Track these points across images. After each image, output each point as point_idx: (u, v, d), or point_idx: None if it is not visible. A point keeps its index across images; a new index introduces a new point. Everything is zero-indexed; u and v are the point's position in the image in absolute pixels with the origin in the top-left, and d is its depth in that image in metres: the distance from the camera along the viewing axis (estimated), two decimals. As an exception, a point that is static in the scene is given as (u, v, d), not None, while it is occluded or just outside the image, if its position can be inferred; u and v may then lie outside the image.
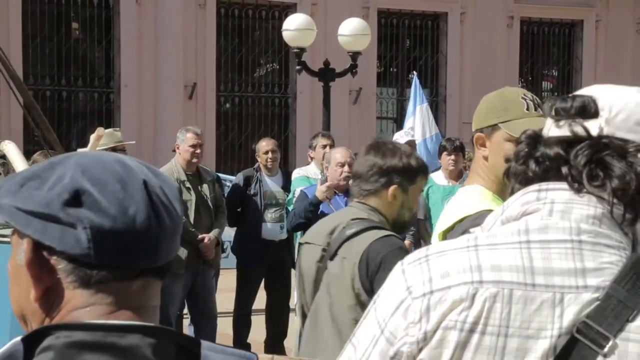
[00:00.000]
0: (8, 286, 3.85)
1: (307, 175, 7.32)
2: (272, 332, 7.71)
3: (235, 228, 7.84)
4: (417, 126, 10.07)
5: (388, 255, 3.09)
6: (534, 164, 1.44)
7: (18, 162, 5.66)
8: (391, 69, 19.23)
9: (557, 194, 1.41)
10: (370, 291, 3.06)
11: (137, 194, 1.17)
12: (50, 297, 1.19)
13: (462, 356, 1.34)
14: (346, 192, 6.22)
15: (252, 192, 7.51)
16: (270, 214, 7.52)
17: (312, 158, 7.54)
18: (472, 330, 1.34)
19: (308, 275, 3.36)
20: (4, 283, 3.82)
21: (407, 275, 1.42)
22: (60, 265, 1.17)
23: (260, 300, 7.82)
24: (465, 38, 19.05)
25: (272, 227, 7.50)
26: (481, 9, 18.96)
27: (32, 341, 1.15)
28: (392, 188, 3.26)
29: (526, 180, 1.44)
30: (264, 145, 7.64)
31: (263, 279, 7.64)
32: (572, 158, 1.41)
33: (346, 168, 6.14)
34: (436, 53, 19.21)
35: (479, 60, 18.89)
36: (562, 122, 1.44)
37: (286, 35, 11.73)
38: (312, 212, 6.18)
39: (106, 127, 10.53)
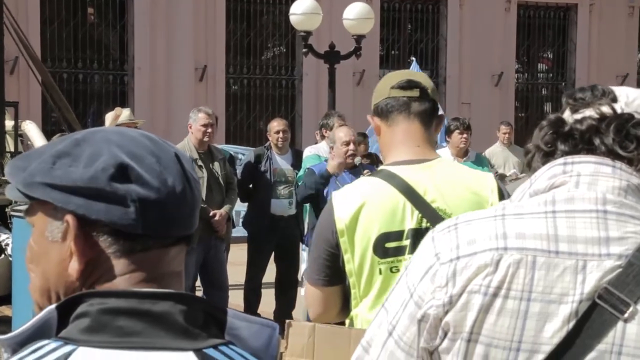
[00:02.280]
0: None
1: (318, 154, 7.33)
2: (280, 303, 7.73)
3: (246, 204, 7.85)
4: None
5: None
6: (561, 142, 1.43)
7: (39, 141, 5.67)
8: (393, 52, 19.16)
9: (583, 166, 1.40)
10: None
11: (172, 166, 1.18)
12: (88, 269, 1.18)
13: (485, 319, 1.34)
14: (352, 168, 6.22)
15: (262, 169, 7.52)
16: (279, 191, 7.52)
17: (324, 137, 7.52)
18: (495, 295, 1.34)
19: None
20: (25, 255, 3.83)
21: (436, 242, 1.42)
22: (102, 238, 1.16)
23: (270, 273, 7.83)
24: (465, 22, 18.97)
25: (281, 203, 7.50)
26: (480, -6, 18.89)
27: (65, 309, 1.14)
28: None
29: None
30: (276, 125, 7.65)
31: (272, 253, 7.65)
32: (604, 127, 1.40)
33: (351, 146, 6.13)
34: (436, 36, 19.14)
35: (477, 43, 18.82)
36: (580, 110, 1.44)
37: (293, 19, 11.69)
38: (322, 185, 6.19)
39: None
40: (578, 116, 1.44)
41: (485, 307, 1.35)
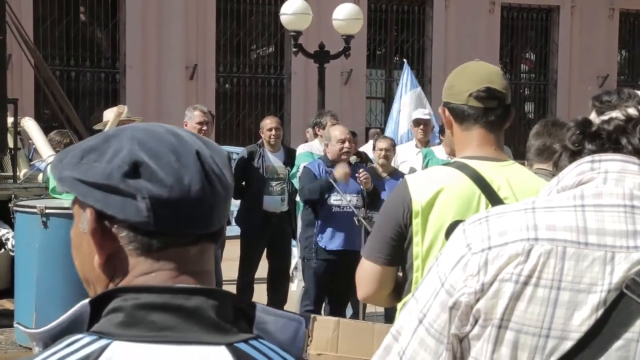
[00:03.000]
0: (31, 252, 3.84)
1: (311, 151, 7.33)
2: (272, 298, 7.72)
3: (239, 200, 7.83)
4: (408, 110, 10.03)
5: None
6: (588, 142, 1.45)
7: (38, 137, 5.65)
8: (379, 52, 19.17)
9: (610, 164, 1.43)
10: None
11: (191, 164, 1.15)
12: (112, 263, 1.17)
13: (516, 306, 1.36)
14: (347, 164, 6.24)
15: (255, 166, 7.51)
16: (272, 187, 7.51)
17: (316, 135, 7.52)
18: (526, 283, 1.36)
19: None
20: (27, 250, 3.82)
21: (467, 234, 1.44)
22: (122, 234, 1.15)
23: (262, 269, 7.82)
24: (449, 23, 19.01)
25: (273, 200, 7.49)
26: (464, -5, 18.93)
27: (99, 303, 1.14)
28: None
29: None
30: (268, 123, 7.64)
31: (265, 249, 7.64)
32: (631, 128, 1.43)
33: (346, 144, 6.15)
34: (422, 37, 19.16)
35: (462, 43, 18.86)
36: (606, 112, 1.46)
37: (284, 19, 11.68)
38: (328, 191, 6.20)
39: (112, 106, 10.50)
40: (605, 117, 1.45)
41: (516, 294, 1.37)
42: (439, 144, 7.72)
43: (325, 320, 2.31)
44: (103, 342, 1.08)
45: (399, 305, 2.66)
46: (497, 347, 1.38)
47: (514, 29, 19.99)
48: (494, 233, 1.41)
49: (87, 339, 1.09)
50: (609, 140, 1.44)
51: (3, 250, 5.26)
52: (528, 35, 20.30)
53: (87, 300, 1.14)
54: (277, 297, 7.66)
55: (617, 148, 1.43)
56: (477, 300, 1.38)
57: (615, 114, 1.45)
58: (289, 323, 1.19)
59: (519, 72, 20.83)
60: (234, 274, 7.86)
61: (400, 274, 2.68)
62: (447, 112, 2.70)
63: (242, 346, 1.11)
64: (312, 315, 2.38)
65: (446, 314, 1.42)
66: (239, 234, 7.91)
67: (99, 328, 1.11)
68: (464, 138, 2.69)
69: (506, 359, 1.38)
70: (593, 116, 1.49)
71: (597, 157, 1.44)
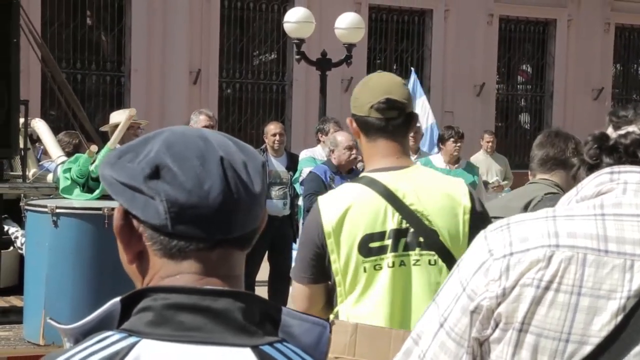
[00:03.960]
0: (41, 251, 3.83)
1: (313, 157, 7.35)
2: (273, 300, 7.72)
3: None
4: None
5: None
6: (606, 155, 1.46)
7: (48, 138, 5.66)
8: (378, 60, 19.19)
9: (629, 175, 1.44)
10: None
11: (214, 170, 1.15)
12: (143, 261, 1.19)
13: (536, 310, 1.38)
14: (349, 172, 6.24)
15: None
16: (274, 192, 7.53)
17: (319, 141, 7.54)
18: (547, 288, 1.38)
19: None
20: (37, 248, 3.82)
21: (489, 240, 1.45)
22: (146, 234, 1.17)
23: (263, 271, 7.83)
24: (449, 33, 19.03)
25: (275, 204, 7.51)
26: (463, 7, 18.93)
27: (129, 302, 1.15)
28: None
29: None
30: (272, 128, 7.67)
31: (266, 252, 7.65)
32: None
33: (354, 151, 6.18)
34: (421, 47, 19.18)
35: (460, 54, 18.88)
36: (623, 127, 1.48)
37: (287, 27, 11.71)
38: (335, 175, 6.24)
39: (117, 108, 10.49)
40: (621, 132, 1.47)
41: (537, 299, 1.38)
42: (437, 152, 7.74)
43: (343, 325, 2.32)
44: (132, 339, 1.10)
45: (330, 316, 2.74)
46: (517, 350, 1.40)
47: (512, 40, 20.01)
48: (516, 239, 1.42)
49: (117, 336, 1.11)
50: (626, 154, 1.45)
51: (12, 248, 5.27)
52: (525, 47, 20.32)
53: (118, 299, 1.16)
54: (278, 299, 7.67)
55: (634, 161, 1.45)
56: (499, 305, 1.40)
57: (632, 128, 1.47)
58: (313, 327, 1.19)
59: (516, 83, 20.84)
60: (235, 276, 7.86)
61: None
62: (354, 124, 2.81)
63: (267, 349, 1.12)
64: (331, 320, 2.38)
65: (467, 318, 1.43)
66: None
67: (129, 326, 1.12)
68: (369, 149, 2.82)
69: None
70: (610, 131, 1.51)
71: (616, 168, 1.46)
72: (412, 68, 12.21)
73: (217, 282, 1.16)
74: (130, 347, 1.09)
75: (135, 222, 1.17)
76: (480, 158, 10.86)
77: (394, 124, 2.74)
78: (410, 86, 10.89)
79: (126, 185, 1.15)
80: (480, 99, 19.32)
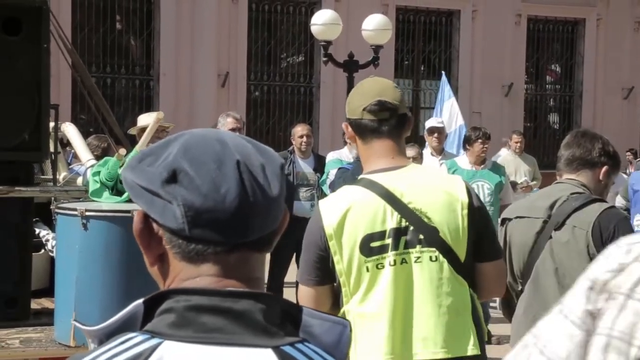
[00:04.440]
0: (71, 253, 3.84)
1: (340, 158, 7.36)
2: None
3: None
4: (446, 118, 10.17)
5: (619, 224, 3.38)
6: None
7: (77, 142, 5.71)
8: (406, 62, 19.16)
9: None
10: None
11: (231, 174, 1.15)
12: (164, 264, 1.20)
13: None
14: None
15: (285, 172, 7.55)
16: (301, 193, 7.55)
17: (346, 143, 7.55)
18: None
19: (524, 245, 3.47)
20: (67, 251, 3.82)
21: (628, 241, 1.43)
22: (165, 237, 1.17)
23: (291, 273, 7.84)
24: (476, 34, 18.96)
25: (303, 205, 7.53)
26: (491, 7, 18.85)
27: (152, 304, 1.16)
28: (604, 169, 3.54)
29: None
30: (299, 130, 7.69)
31: (294, 253, 7.66)
32: None
33: None
34: (449, 47, 19.12)
35: (488, 54, 18.80)
36: None
37: (314, 29, 11.72)
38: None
39: (146, 112, 10.57)
40: None
41: None
42: (463, 154, 7.71)
43: None
44: (154, 341, 1.11)
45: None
46: (620, 314, 1.35)
47: (540, 40, 19.88)
48: None
49: (140, 337, 1.12)
50: None
51: (43, 250, 5.33)
52: (554, 47, 20.18)
53: (141, 300, 1.17)
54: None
55: None
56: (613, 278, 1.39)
57: None
58: (334, 327, 1.19)
59: (544, 84, 20.71)
60: (264, 278, 7.89)
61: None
62: (349, 128, 2.87)
63: (288, 349, 1.12)
64: None
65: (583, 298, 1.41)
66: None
67: (152, 327, 1.13)
68: (365, 152, 2.88)
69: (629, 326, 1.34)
70: None
71: None
72: (443, 72, 12.19)
73: (236, 284, 1.16)
74: (154, 349, 1.10)
75: (155, 226, 1.18)
76: (508, 158, 10.80)
77: (387, 125, 2.80)
78: (440, 89, 10.90)
79: (145, 189, 1.16)
80: (508, 99, 19.21)
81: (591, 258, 3.36)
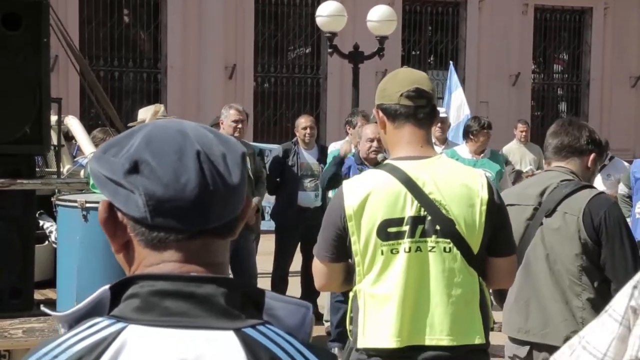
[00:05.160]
0: (72, 245, 3.89)
1: (341, 149, 7.38)
2: (306, 290, 7.77)
3: (274, 196, 7.90)
4: (453, 109, 10.17)
5: (609, 210, 3.42)
6: None
7: (80, 135, 5.76)
8: (413, 52, 19.13)
9: None
10: (597, 240, 3.38)
11: (191, 164, 1.18)
12: (129, 251, 1.23)
13: None
14: (375, 164, 6.26)
15: (290, 163, 7.58)
16: (306, 184, 7.58)
17: (347, 134, 7.57)
18: None
19: (515, 232, 3.49)
20: (68, 242, 3.87)
21: None
22: (130, 225, 1.20)
23: (296, 262, 7.87)
24: (483, 24, 18.90)
25: (307, 195, 7.56)
26: (498, -3, 18.81)
27: (118, 289, 1.19)
28: (592, 156, 3.59)
29: None
30: (303, 122, 7.72)
31: (299, 243, 7.69)
32: None
33: (375, 143, 6.18)
34: (456, 38, 19.08)
35: (495, 44, 18.75)
36: None
37: (319, 21, 11.72)
38: (335, 166, 6.35)
39: (152, 104, 10.60)
40: None
41: None
42: (463, 143, 7.71)
43: None
44: (120, 325, 1.14)
45: (350, 294, 2.91)
46: None
47: (547, 30, 19.81)
48: None
49: (106, 322, 1.15)
50: None
51: (47, 242, 5.37)
52: (561, 36, 20.11)
53: (107, 286, 1.20)
54: (310, 289, 7.71)
55: None
56: None
57: None
58: (298, 309, 1.23)
59: (552, 72, 20.64)
60: (270, 267, 7.92)
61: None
62: (380, 113, 2.92)
63: (249, 331, 1.15)
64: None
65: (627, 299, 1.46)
66: (273, 228, 7.97)
67: (117, 312, 1.17)
68: (395, 136, 2.91)
69: None
70: None
71: None
72: (450, 62, 12.20)
73: (198, 270, 1.19)
74: (118, 332, 1.14)
75: (119, 215, 1.21)
76: (513, 147, 10.79)
77: (423, 112, 2.87)
78: (448, 78, 10.91)
79: (109, 179, 1.20)
80: (515, 88, 19.16)
81: (582, 243, 3.38)
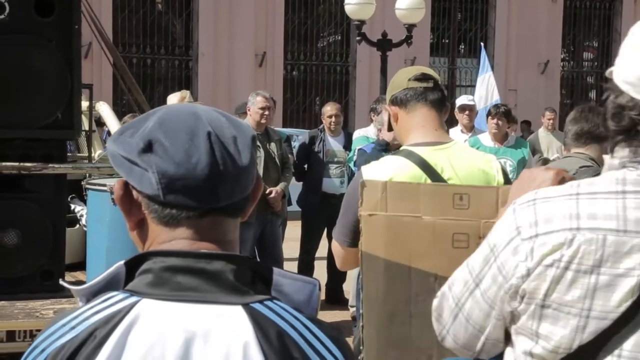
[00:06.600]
0: (102, 227, 3.97)
1: (367, 136, 7.38)
2: (332, 276, 7.80)
3: (301, 182, 7.94)
4: (479, 93, 10.08)
5: None
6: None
7: (111, 120, 5.83)
8: (443, 40, 19.04)
9: None
10: None
11: (202, 144, 1.21)
12: (144, 228, 1.27)
13: (557, 289, 1.44)
14: (398, 149, 6.26)
15: (316, 150, 7.61)
16: (331, 170, 7.60)
17: (372, 121, 7.57)
18: (567, 268, 1.43)
19: None
20: (98, 225, 3.95)
21: (517, 215, 1.50)
22: (144, 203, 1.24)
23: (323, 248, 7.91)
24: (512, 12, 18.76)
25: (333, 182, 7.58)
26: (528, -15, 18.64)
27: (133, 265, 1.24)
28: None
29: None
30: (329, 110, 7.73)
31: (325, 229, 7.72)
32: None
33: None
34: (485, 26, 18.96)
35: (524, 32, 18.61)
36: None
37: (348, 9, 11.71)
38: (381, 151, 6.29)
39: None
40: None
41: (557, 278, 1.44)
42: (486, 131, 7.67)
43: (374, 183, 2.41)
44: (133, 299, 1.19)
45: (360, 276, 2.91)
46: (540, 323, 1.47)
47: (577, 17, 19.62)
48: (541, 219, 1.46)
49: (120, 296, 1.20)
50: None
51: (77, 226, 5.46)
52: (591, 23, 19.90)
53: (122, 262, 1.24)
54: (337, 275, 7.75)
55: None
56: (523, 282, 1.47)
57: None
58: (305, 285, 1.26)
59: (582, 60, 20.45)
60: (296, 253, 7.97)
61: None
62: (392, 107, 2.94)
63: (257, 306, 1.19)
64: (361, 180, 2.48)
65: (496, 287, 1.52)
66: (300, 214, 8.01)
67: (131, 287, 1.21)
68: (408, 122, 2.92)
69: (549, 334, 1.45)
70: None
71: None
72: (481, 43, 12.18)
73: (209, 247, 1.23)
74: (132, 306, 1.18)
75: (134, 193, 1.25)
76: (541, 135, 10.73)
77: (432, 94, 2.89)
78: (481, 61, 10.87)
79: (125, 158, 1.24)
80: (544, 76, 19.02)
81: None
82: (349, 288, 7.60)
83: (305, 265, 7.78)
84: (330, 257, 7.83)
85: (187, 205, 1.22)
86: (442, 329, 1.63)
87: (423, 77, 2.90)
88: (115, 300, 1.19)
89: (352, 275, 7.50)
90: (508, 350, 1.56)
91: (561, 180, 1.64)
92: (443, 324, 1.63)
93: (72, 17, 4.68)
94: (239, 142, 1.25)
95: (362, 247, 2.40)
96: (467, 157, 2.90)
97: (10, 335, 4.30)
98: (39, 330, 4.40)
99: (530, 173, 1.72)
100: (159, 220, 1.24)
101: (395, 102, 2.93)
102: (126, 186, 1.26)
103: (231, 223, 1.27)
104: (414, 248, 2.31)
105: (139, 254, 1.24)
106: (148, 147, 1.21)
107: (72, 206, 5.55)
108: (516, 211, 1.50)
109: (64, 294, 4.72)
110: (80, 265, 5.23)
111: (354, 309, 7.33)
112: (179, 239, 1.23)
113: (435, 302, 1.65)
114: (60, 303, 4.60)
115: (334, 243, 2.98)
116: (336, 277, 7.76)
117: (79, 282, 4.99)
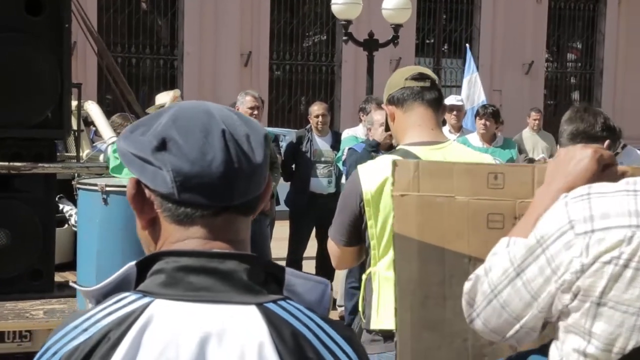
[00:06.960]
0: (92, 227, 3.93)
1: (355, 135, 7.39)
2: (320, 275, 7.79)
3: (289, 182, 7.93)
4: (466, 94, 10.10)
5: None
6: None
7: (100, 120, 5.80)
8: (428, 41, 19.08)
9: None
10: None
11: (217, 142, 1.20)
12: (156, 227, 1.25)
13: (614, 286, 1.41)
14: (388, 148, 6.26)
15: (303, 150, 7.60)
16: (319, 170, 7.60)
17: (361, 120, 7.58)
18: (626, 266, 1.40)
19: None
20: (89, 225, 3.92)
21: (569, 208, 1.47)
22: (157, 202, 1.23)
23: (311, 248, 7.90)
24: (497, 13, 18.82)
25: (320, 182, 7.58)
26: (512, -14, 18.71)
27: (144, 265, 1.22)
28: (606, 143, 3.56)
29: None
30: (316, 109, 7.73)
31: (313, 228, 7.72)
32: None
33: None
34: (470, 26, 19.02)
35: (509, 33, 18.67)
36: None
37: (334, 8, 11.71)
38: (371, 152, 6.28)
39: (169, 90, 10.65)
40: None
41: (616, 276, 1.41)
42: (475, 132, 7.70)
43: (406, 163, 2.36)
44: (146, 300, 1.17)
45: (363, 276, 2.90)
46: (595, 322, 1.43)
47: (561, 18, 19.71)
48: (597, 214, 1.43)
49: (133, 296, 1.18)
50: None
51: (66, 225, 5.43)
52: (575, 25, 20.00)
53: (133, 262, 1.23)
54: (325, 274, 7.74)
55: None
56: (577, 279, 1.44)
57: None
58: (317, 285, 1.26)
59: (565, 61, 20.55)
60: (284, 253, 7.96)
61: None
62: (389, 106, 2.94)
63: (271, 306, 1.18)
64: (393, 160, 2.44)
65: (542, 278, 1.48)
66: (288, 214, 8.00)
67: (144, 287, 1.20)
68: (405, 121, 2.92)
69: (604, 333, 1.42)
70: None
71: None
72: (467, 44, 12.22)
73: (222, 246, 1.22)
74: (145, 307, 1.17)
75: (147, 191, 1.24)
76: (526, 135, 10.77)
77: (429, 93, 2.90)
78: (466, 62, 10.90)
79: (137, 157, 1.22)
80: (529, 77, 19.10)
81: None
82: (337, 288, 7.60)
83: (293, 265, 7.77)
84: (318, 257, 7.83)
85: (202, 203, 1.21)
86: (473, 311, 1.60)
87: (420, 77, 2.91)
88: (128, 301, 1.18)
89: (340, 275, 7.51)
90: (553, 346, 1.53)
91: (599, 157, 1.60)
92: (474, 307, 1.59)
93: (62, 16, 4.66)
94: (252, 140, 1.24)
95: (394, 229, 2.34)
96: (463, 156, 2.89)
97: None
98: (29, 332, 4.39)
99: (567, 151, 1.66)
100: (172, 219, 1.22)
101: (392, 101, 2.93)
102: (138, 184, 1.24)
103: (243, 222, 1.26)
104: (448, 229, 2.23)
105: (151, 254, 1.23)
106: (162, 145, 1.20)
107: (61, 206, 5.51)
108: (569, 204, 1.47)
109: (54, 294, 4.70)
110: (69, 266, 5.20)
111: (342, 308, 7.33)
112: (192, 238, 1.22)
113: (467, 284, 1.61)
114: (50, 303, 4.57)
115: (330, 242, 2.98)
116: (324, 276, 7.73)
117: (67, 283, 4.96)
